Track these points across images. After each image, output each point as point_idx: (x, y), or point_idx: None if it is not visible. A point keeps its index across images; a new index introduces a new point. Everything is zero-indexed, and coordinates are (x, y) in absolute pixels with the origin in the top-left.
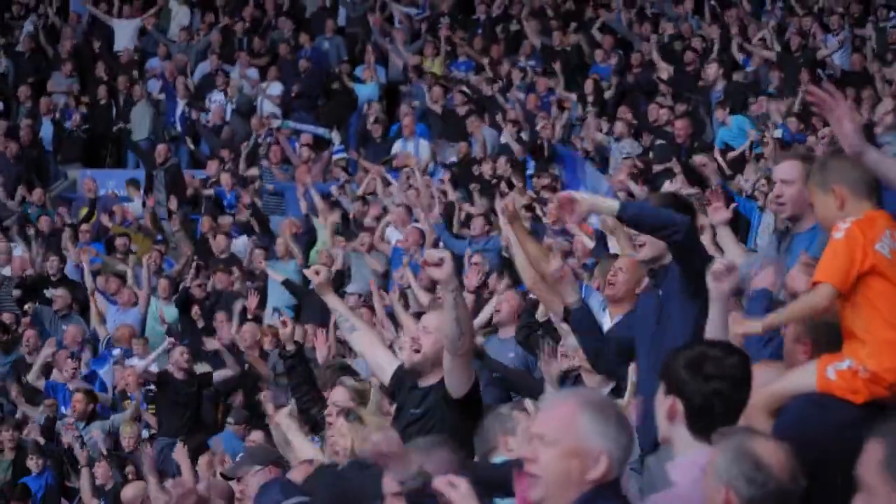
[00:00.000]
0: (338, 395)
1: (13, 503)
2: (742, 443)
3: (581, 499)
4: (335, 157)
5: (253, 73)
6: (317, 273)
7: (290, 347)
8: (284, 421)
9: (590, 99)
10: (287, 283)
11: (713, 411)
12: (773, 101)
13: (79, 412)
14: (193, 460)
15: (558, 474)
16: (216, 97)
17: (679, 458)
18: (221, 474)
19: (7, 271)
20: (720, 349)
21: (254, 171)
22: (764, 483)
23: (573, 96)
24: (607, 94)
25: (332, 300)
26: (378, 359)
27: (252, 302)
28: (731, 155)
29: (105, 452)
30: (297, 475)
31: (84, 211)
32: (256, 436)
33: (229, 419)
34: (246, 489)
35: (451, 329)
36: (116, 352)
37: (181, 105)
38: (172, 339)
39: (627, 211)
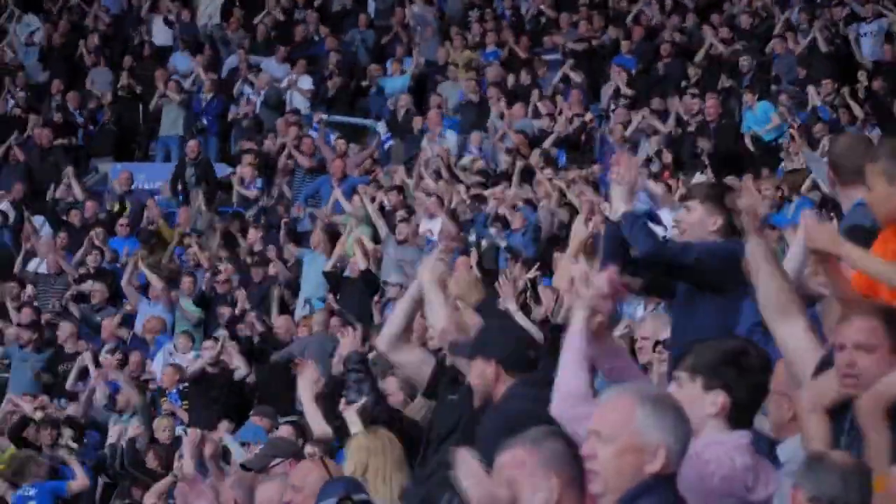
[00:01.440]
0: (388, 385)
1: None
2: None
3: (635, 490)
4: (385, 146)
5: (281, 66)
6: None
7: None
8: None
9: (623, 91)
10: (327, 275)
11: (756, 404)
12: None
13: (121, 405)
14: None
15: (617, 470)
16: (246, 91)
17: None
18: (242, 465)
19: (44, 268)
20: (751, 343)
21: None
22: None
23: (603, 88)
24: (633, 88)
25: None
26: (412, 357)
27: None
28: None
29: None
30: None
31: (116, 205)
32: (285, 430)
33: (252, 412)
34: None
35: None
36: (167, 346)
37: (209, 99)
38: (225, 334)
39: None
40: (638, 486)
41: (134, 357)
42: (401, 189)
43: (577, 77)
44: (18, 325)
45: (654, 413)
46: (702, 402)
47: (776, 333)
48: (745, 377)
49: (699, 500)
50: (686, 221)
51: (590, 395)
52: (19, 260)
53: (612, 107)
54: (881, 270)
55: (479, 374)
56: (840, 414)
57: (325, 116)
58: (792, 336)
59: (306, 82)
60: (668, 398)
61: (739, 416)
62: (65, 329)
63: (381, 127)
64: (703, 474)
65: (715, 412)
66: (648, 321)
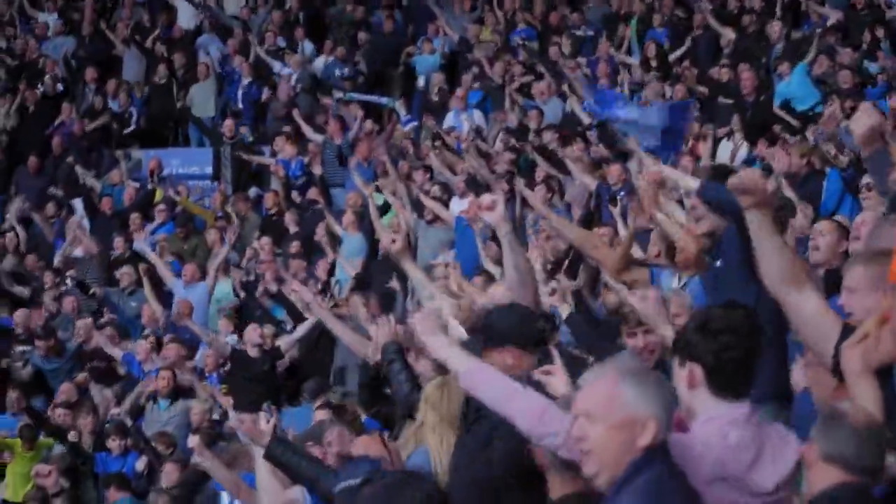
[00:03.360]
0: (420, 365)
1: (113, 488)
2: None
3: (632, 465)
4: (406, 127)
5: (309, 46)
6: (393, 240)
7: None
8: None
9: (653, 63)
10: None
11: (726, 367)
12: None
13: (163, 390)
14: None
15: (610, 447)
16: (282, 72)
17: (700, 417)
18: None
19: (79, 252)
20: (723, 307)
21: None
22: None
23: (635, 61)
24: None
25: (410, 267)
26: (452, 330)
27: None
28: None
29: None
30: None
31: (158, 193)
32: (321, 414)
33: (304, 394)
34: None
35: (510, 275)
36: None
37: (244, 82)
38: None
39: (707, 193)
40: (634, 462)
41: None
42: (429, 168)
43: (603, 49)
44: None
45: (637, 386)
46: (681, 377)
47: (788, 304)
48: (712, 343)
49: (697, 487)
50: (701, 209)
51: (548, 404)
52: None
53: (645, 80)
54: None
55: (500, 364)
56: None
57: (342, 95)
58: (806, 305)
59: (338, 63)
60: (647, 371)
61: (721, 384)
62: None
63: (400, 106)
64: (693, 459)
65: (686, 385)
66: (673, 298)
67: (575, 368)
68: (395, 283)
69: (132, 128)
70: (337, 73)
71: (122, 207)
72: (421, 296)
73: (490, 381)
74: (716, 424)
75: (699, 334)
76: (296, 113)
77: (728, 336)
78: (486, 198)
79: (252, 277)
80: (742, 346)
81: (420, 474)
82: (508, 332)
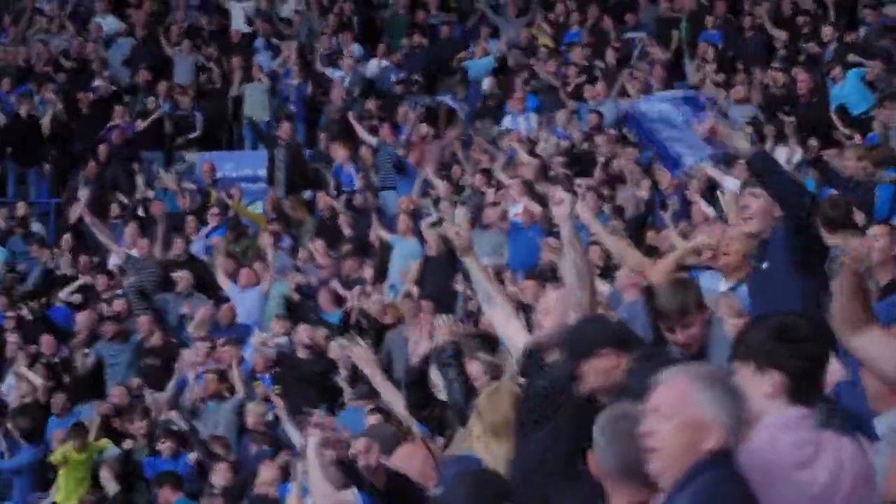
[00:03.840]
0: (472, 369)
1: (167, 488)
2: None
3: (694, 467)
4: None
5: (359, 49)
6: (457, 234)
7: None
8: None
9: (709, 66)
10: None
11: (809, 375)
12: None
13: (211, 392)
14: None
15: (675, 445)
16: (334, 75)
17: (763, 422)
18: None
19: (135, 252)
20: (795, 314)
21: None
22: None
23: (692, 64)
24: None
25: (473, 265)
26: (510, 332)
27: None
28: None
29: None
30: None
31: (213, 196)
32: (373, 419)
33: (351, 395)
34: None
35: (569, 274)
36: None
37: (297, 85)
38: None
39: (758, 160)
40: (696, 463)
41: (224, 344)
42: (487, 171)
43: (660, 54)
44: (102, 317)
45: (709, 390)
46: (758, 385)
47: (850, 348)
48: (797, 352)
49: (759, 494)
50: (752, 209)
51: None
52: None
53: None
54: None
55: (595, 371)
56: None
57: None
58: (864, 346)
59: (393, 68)
60: (722, 377)
61: (799, 392)
62: (142, 323)
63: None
64: (755, 465)
65: (770, 393)
66: (721, 301)
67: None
68: (457, 285)
69: (197, 133)
70: (392, 78)
71: (175, 211)
72: (481, 296)
73: None
74: (767, 434)
75: (781, 343)
76: (351, 116)
77: (812, 345)
78: (557, 193)
79: (307, 280)
80: (824, 355)
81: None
82: (602, 335)
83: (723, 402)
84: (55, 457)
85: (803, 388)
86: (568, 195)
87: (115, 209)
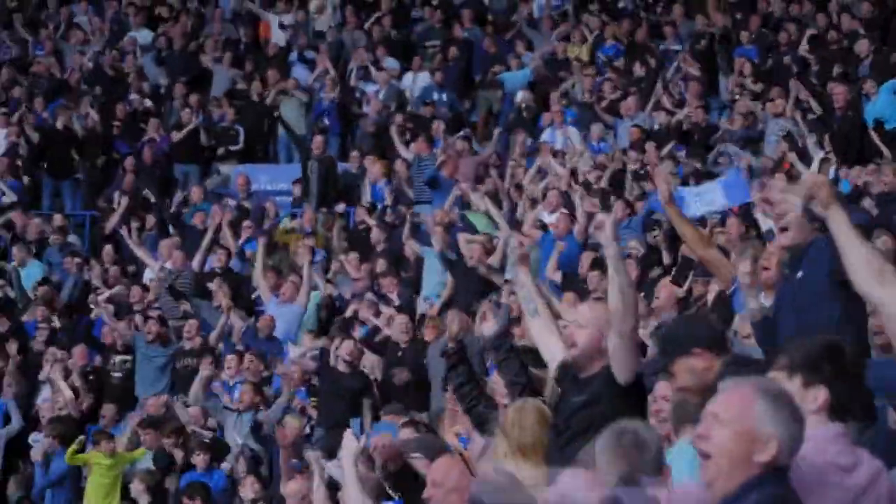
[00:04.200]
0: (497, 385)
1: (197, 499)
2: None
3: (748, 482)
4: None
5: (394, 63)
6: (521, 243)
7: (451, 345)
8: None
9: (747, 81)
10: (443, 258)
11: (853, 398)
12: None
13: (245, 403)
14: None
15: (729, 453)
16: (369, 89)
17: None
18: None
19: (169, 265)
20: (844, 339)
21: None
22: None
23: (727, 80)
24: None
25: (525, 277)
26: (551, 347)
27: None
28: None
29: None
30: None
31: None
32: (407, 432)
33: (384, 410)
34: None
35: (614, 299)
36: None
37: (332, 98)
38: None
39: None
40: (751, 478)
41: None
42: (520, 185)
43: (694, 70)
44: (147, 317)
45: (771, 404)
46: (801, 399)
47: (873, 299)
48: (844, 372)
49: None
50: (788, 219)
51: None
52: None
53: (736, 97)
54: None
55: (688, 370)
56: None
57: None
58: (892, 299)
59: (424, 79)
60: (786, 394)
61: (838, 410)
62: (191, 326)
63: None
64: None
65: (816, 408)
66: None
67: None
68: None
69: (239, 146)
70: (435, 96)
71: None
72: (526, 308)
73: None
74: (813, 444)
75: (833, 363)
76: (393, 129)
77: (857, 369)
78: (598, 217)
79: (338, 292)
80: (864, 379)
81: None
82: (695, 336)
83: (783, 418)
84: (80, 457)
85: (844, 406)
86: (609, 217)
87: (150, 221)
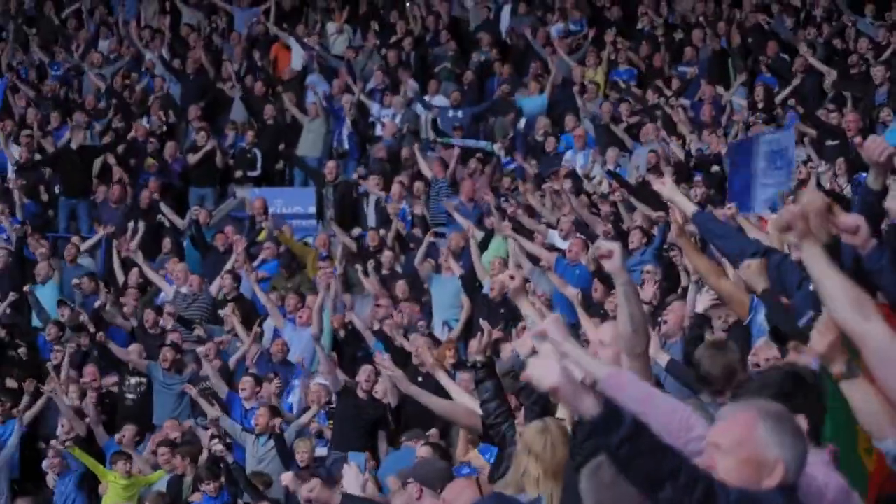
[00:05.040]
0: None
1: None
2: None
3: (758, 495)
4: (506, 169)
5: (415, 86)
6: (511, 277)
7: (480, 358)
8: None
9: (760, 105)
10: (463, 279)
11: (822, 422)
12: None
13: (261, 426)
14: None
15: (735, 482)
16: (384, 113)
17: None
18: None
19: (185, 289)
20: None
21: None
22: None
23: (743, 102)
24: (777, 99)
25: (526, 307)
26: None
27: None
28: None
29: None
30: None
31: (263, 233)
32: (424, 451)
33: (405, 436)
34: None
35: (624, 326)
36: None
37: (349, 122)
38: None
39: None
40: (759, 493)
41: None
42: (532, 209)
43: (710, 91)
44: (162, 345)
45: (774, 429)
46: None
47: (855, 333)
48: (813, 397)
49: None
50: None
51: (691, 409)
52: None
53: (752, 122)
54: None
55: None
56: None
57: (439, 139)
58: (875, 333)
59: (440, 102)
60: (787, 416)
61: (814, 435)
62: (209, 349)
63: (500, 149)
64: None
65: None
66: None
67: None
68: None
69: (257, 172)
70: (451, 114)
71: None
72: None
73: (632, 384)
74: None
75: (798, 389)
76: (417, 149)
77: (817, 387)
78: (604, 245)
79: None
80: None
81: None
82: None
83: (787, 440)
84: (101, 469)
85: (818, 430)
86: (615, 245)
87: (166, 245)
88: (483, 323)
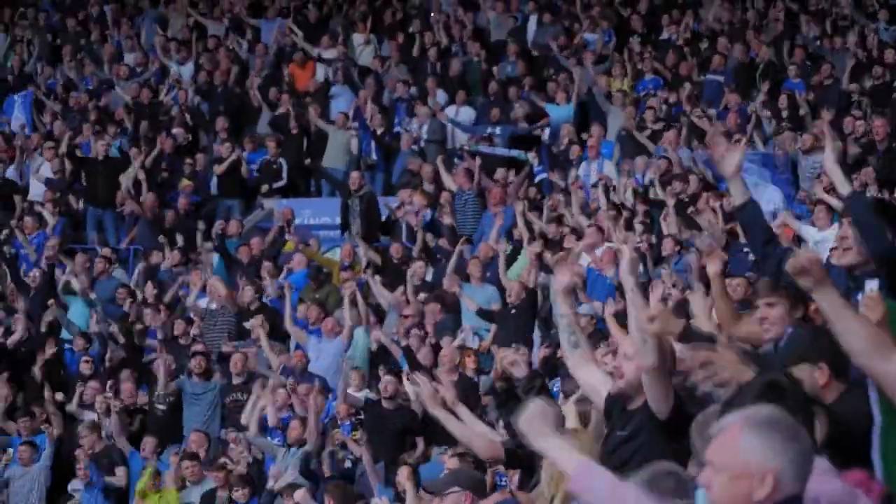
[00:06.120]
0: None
1: None
2: None
3: None
4: (536, 178)
5: (443, 96)
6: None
7: (500, 384)
8: None
9: (784, 114)
10: (480, 313)
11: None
12: None
13: (292, 439)
14: None
15: (729, 499)
16: (409, 125)
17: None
18: (423, 488)
19: (213, 304)
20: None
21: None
22: None
23: (767, 112)
24: (802, 111)
25: (566, 309)
26: (592, 380)
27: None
28: None
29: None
30: None
31: (289, 244)
32: (452, 462)
33: (440, 451)
34: None
35: (633, 334)
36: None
37: (375, 133)
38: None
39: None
40: None
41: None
42: (561, 218)
43: (735, 100)
44: (192, 354)
45: (760, 436)
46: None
47: (878, 375)
48: (801, 406)
49: None
50: (851, 239)
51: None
52: (192, 294)
53: (777, 130)
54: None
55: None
56: None
57: (468, 147)
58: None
59: (467, 113)
60: (776, 421)
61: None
62: (236, 360)
63: (533, 158)
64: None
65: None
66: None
67: None
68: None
69: (283, 182)
70: (489, 131)
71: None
72: (564, 341)
73: (599, 476)
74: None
75: (780, 399)
76: (440, 161)
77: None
78: (619, 250)
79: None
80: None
81: None
82: (822, 350)
83: (778, 447)
84: (138, 485)
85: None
86: (629, 252)
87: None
88: (495, 349)
